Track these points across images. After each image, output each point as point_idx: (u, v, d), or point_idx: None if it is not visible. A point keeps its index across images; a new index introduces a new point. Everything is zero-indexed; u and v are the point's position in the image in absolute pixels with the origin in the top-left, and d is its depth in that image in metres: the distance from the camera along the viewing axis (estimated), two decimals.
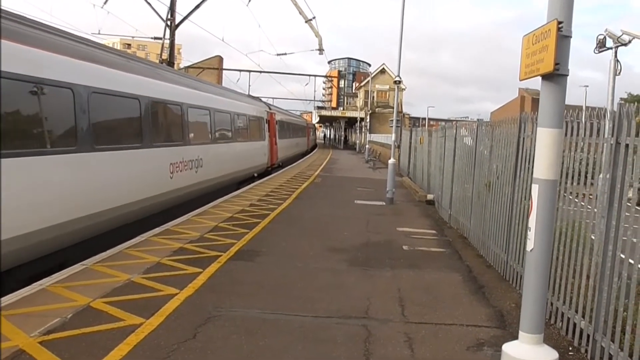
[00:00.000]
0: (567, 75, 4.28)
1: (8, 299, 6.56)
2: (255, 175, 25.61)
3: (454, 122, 16.47)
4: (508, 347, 4.43)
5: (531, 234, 4.42)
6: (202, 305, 6.72)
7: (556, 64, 4.13)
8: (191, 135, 15.39)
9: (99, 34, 30.14)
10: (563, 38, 4.15)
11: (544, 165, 4.37)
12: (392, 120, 20.57)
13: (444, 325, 6.49)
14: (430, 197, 18.41)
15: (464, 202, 12.78)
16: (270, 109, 31.84)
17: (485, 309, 7.23)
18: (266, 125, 28.60)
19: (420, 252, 10.63)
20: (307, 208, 15.80)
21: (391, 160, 18.72)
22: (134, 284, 7.46)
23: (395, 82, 17.80)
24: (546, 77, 4.31)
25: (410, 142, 27.67)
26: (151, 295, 6.98)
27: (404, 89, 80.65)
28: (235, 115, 21.40)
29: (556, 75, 4.25)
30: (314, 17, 31.14)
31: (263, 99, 36.78)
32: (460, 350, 5.71)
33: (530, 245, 4.44)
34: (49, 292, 6.93)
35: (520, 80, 4.79)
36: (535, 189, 4.42)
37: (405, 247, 10.97)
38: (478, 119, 12.12)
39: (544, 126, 4.37)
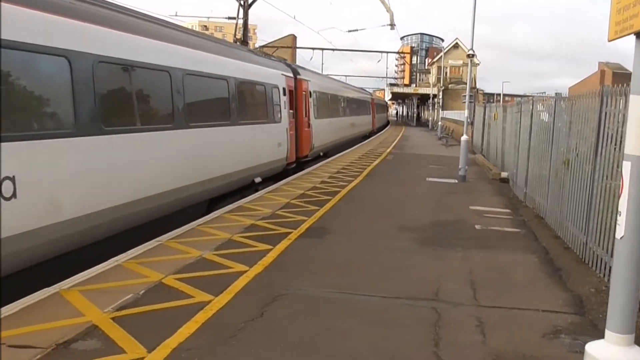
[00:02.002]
0: None
1: (86, 274, 6.77)
2: (257, 180, 15.17)
3: (530, 98, 15.84)
4: (593, 348, 3.96)
5: (622, 219, 3.89)
6: (270, 284, 6.73)
7: None
8: None
9: (176, 15, 30.67)
10: None
11: (638, 139, 3.83)
12: (465, 96, 20.02)
13: (518, 310, 6.23)
14: (504, 174, 17.86)
15: (540, 181, 12.29)
16: (299, 73, 21.25)
17: (563, 294, 6.90)
18: (283, 98, 17.93)
19: (493, 232, 10.31)
20: (378, 185, 15.65)
21: (464, 137, 18.25)
22: (205, 261, 7.56)
23: (468, 55, 17.28)
24: None
25: (484, 119, 26.88)
26: (221, 273, 7.05)
27: (478, 64, 78.57)
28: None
29: None
30: None
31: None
32: (536, 338, 5.47)
33: (620, 231, 3.91)
34: (124, 268, 7.12)
35: (609, 40, 4.24)
36: (626, 167, 3.88)
37: (477, 227, 10.67)
38: (556, 94, 11.57)
39: (637, 94, 3.86)
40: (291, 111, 18.93)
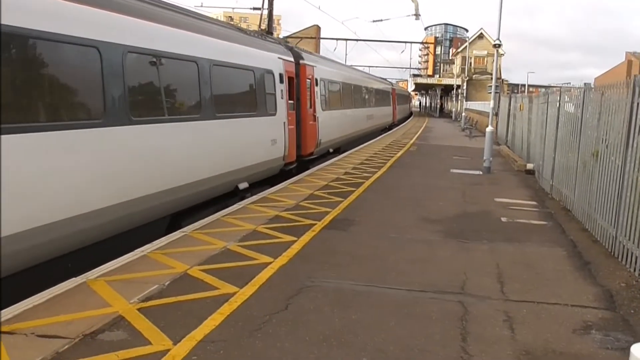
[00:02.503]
0: None
1: (113, 264, 6.80)
2: (241, 187, 12.41)
3: (557, 88, 15.56)
4: (638, 350, 3.58)
5: None
6: (295, 275, 6.70)
7: None
8: None
9: (201, 6, 30.65)
10: None
11: None
12: (490, 86, 19.76)
13: (547, 305, 6.11)
14: (529, 166, 17.63)
15: (567, 172, 12.09)
16: (302, 58, 18.25)
17: (592, 288, 6.76)
18: (280, 86, 15.11)
19: (519, 225, 10.17)
20: (402, 177, 15.54)
21: (489, 128, 18.02)
22: (230, 252, 7.56)
23: (494, 45, 17.01)
24: None
25: (509, 110, 26.54)
26: (246, 264, 7.03)
27: (503, 55, 77.53)
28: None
29: None
30: None
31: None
32: (566, 333, 5.36)
33: None
34: (149, 258, 7.14)
35: None
36: None
37: (503, 219, 10.53)
38: (585, 84, 11.34)
39: None
40: (291, 102, 16.23)
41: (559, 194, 12.82)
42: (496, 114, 31.06)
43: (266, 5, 27.02)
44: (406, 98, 67.15)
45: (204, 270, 6.70)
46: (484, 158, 17.32)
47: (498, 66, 17.91)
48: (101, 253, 7.32)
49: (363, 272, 7.01)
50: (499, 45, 16.80)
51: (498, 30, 16.79)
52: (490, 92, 19.37)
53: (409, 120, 60.30)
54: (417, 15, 33.38)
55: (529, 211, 11.48)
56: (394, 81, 66.49)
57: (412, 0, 31.50)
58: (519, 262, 7.74)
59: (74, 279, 6.17)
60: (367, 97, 32.55)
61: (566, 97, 13.06)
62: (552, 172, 13.69)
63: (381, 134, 35.72)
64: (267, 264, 7.04)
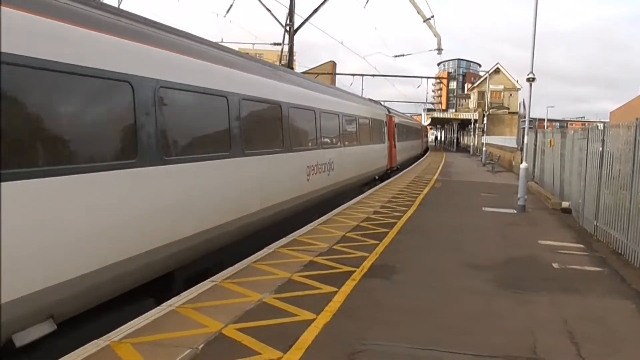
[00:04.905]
0: None
1: (139, 321, 6.09)
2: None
3: (597, 124, 14.84)
4: None
5: None
6: (342, 336, 5.95)
7: None
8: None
9: (221, 42, 30.42)
10: None
11: None
12: (521, 122, 19.08)
13: None
14: (565, 204, 16.82)
15: (617, 213, 11.29)
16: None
17: None
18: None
19: (574, 272, 9.37)
20: (433, 216, 14.79)
21: (523, 165, 17.24)
22: (267, 306, 6.82)
23: (528, 79, 16.36)
24: None
25: (535, 144, 25.82)
26: (286, 321, 6.29)
27: (519, 89, 77.26)
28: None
29: None
30: (432, 16, 29.89)
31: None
32: None
33: None
34: (178, 314, 6.41)
35: None
36: None
37: (555, 265, 9.74)
38: (637, 119, 10.61)
39: None
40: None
41: (606, 236, 12.01)
42: (520, 149, 30.33)
43: (287, 41, 26.77)
44: (417, 132, 58.25)
45: (240, 330, 5.96)
46: (519, 196, 16.54)
47: (522, 101, 17.18)
48: None
49: (418, 331, 6.24)
50: (533, 80, 16.15)
51: (532, 64, 16.16)
52: (524, 127, 18.64)
53: (424, 157, 57.44)
54: (439, 50, 32.96)
55: (578, 255, 10.68)
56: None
57: (435, 35, 31.09)
58: (587, 318, 6.95)
59: (96, 341, 5.44)
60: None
61: (612, 131, 12.34)
62: (596, 211, 12.89)
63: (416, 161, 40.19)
64: (309, 321, 6.30)
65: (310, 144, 14.72)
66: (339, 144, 17.53)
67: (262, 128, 11.44)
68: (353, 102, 21.57)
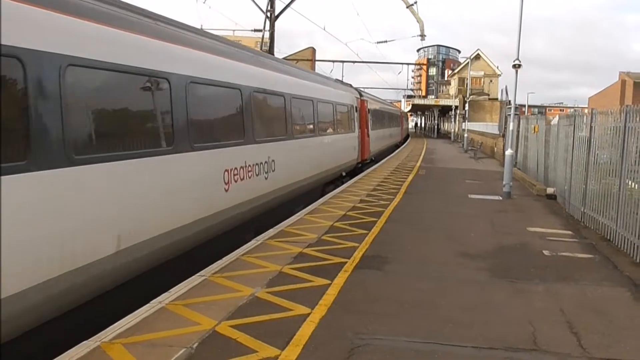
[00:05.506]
0: None
1: (129, 319, 5.87)
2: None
3: (565, 109, 14.82)
4: None
5: None
6: (340, 331, 5.79)
7: None
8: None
9: (200, 28, 29.99)
10: None
11: None
12: (506, 108, 19.02)
13: None
14: (550, 190, 16.83)
15: (605, 199, 11.26)
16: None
17: None
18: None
19: (565, 259, 9.32)
20: (420, 204, 14.70)
21: (509, 152, 17.19)
22: (259, 301, 6.63)
23: (514, 66, 16.26)
24: None
25: (518, 131, 25.84)
26: (281, 316, 6.12)
27: (500, 75, 77.55)
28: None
29: None
30: (415, 2, 29.69)
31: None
32: None
33: None
34: (169, 311, 6.19)
35: None
36: None
37: (546, 252, 9.67)
38: (627, 106, 10.56)
39: None
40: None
41: (594, 222, 11.98)
42: (502, 135, 30.39)
43: (267, 27, 26.45)
44: (396, 118, 53.78)
45: (234, 327, 5.77)
46: (504, 183, 16.51)
47: (514, 88, 17.07)
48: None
49: (416, 324, 6.11)
50: (519, 66, 16.05)
51: (517, 51, 16.05)
52: (508, 114, 18.59)
53: (405, 144, 56.78)
54: (422, 36, 32.85)
55: (568, 242, 10.64)
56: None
57: (418, 21, 30.93)
58: (584, 307, 6.87)
59: (86, 342, 5.22)
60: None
61: (599, 118, 12.29)
62: (583, 198, 12.87)
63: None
64: (305, 316, 6.13)
65: (232, 138, 10.18)
66: (284, 135, 13.32)
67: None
68: (309, 81, 17.17)
